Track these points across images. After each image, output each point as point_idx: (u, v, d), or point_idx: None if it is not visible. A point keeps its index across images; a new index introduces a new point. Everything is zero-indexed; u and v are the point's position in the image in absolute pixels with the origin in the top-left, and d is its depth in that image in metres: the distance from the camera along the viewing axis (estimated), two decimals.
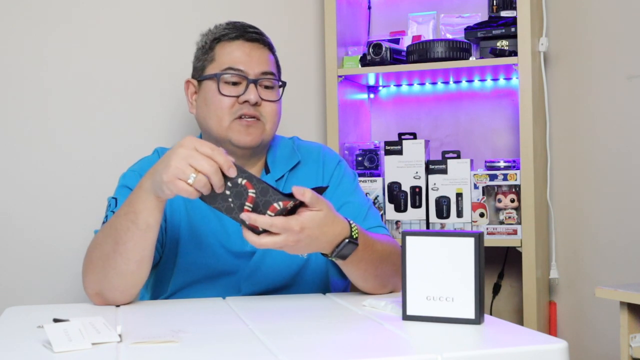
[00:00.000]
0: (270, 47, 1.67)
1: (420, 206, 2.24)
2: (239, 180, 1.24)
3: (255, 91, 1.60)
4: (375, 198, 2.27)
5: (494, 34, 2.19)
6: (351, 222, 1.37)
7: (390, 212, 2.26)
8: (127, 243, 1.35)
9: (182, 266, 1.59)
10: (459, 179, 2.20)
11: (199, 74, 1.67)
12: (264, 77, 1.62)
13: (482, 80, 2.43)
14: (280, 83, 1.67)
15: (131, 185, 1.59)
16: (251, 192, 1.24)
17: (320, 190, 1.29)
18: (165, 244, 1.60)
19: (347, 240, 1.35)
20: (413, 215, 2.24)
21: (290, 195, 1.24)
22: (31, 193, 2.07)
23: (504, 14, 2.20)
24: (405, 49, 2.28)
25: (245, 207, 1.24)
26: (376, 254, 1.45)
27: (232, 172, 1.24)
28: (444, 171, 2.22)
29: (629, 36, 2.21)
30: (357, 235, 1.37)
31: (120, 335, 1.12)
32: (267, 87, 1.64)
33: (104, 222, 1.55)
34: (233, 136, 1.60)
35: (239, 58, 1.62)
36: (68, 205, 2.09)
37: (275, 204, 1.24)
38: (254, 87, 1.60)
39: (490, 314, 2.12)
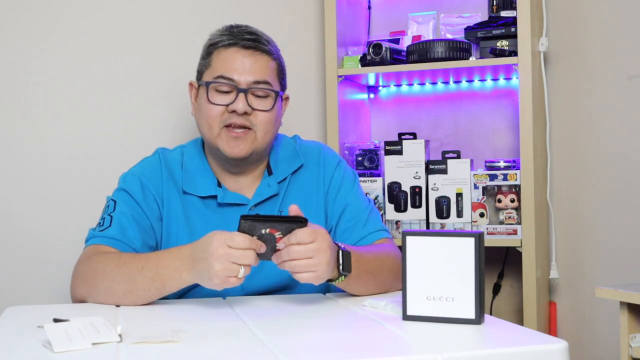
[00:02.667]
0: (269, 54, 1.63)
1: (420, 206, 2.23)
2: (263, 231, 1.33)
3: (244, 101, 1.58)
4: (375, 198, 2.27)
5: (494, 34, 2.19)
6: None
7: (390, 212, 2.26)
8: (141, 297, 1.42)
9: None
10: (459, 179, 2.20)
11: (198, 78, 1.67)
12: (255, 87, 1.59)
13: (482, 80, 2.43)
14: (276, 91, 1.62)
15: (130, 190, 1.60)
16: (278, 235, 1.34)
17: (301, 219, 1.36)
18: (160, 249, 1.61)
19: (340, 249, 1.40)
20: (413, 215, 2.24)
21: (300, 219, 1.34)
22: (31, 193, 2.07)
23: (504, 14, 2.20)
24: (405, 49, 2.28)
25: (277, 248, 1.34)
26: (370, 265, 1.48)
27: (263, 249, 1.33)
28: (444, 171, 2.21)
29: (629, 36, 2.21)
30: (341, 247, 1.41)
31: (120, 335, 1.12)
32: (260, 96, 1.61)
33: (99, 224, 1.57)
34: (221, 146, 1.60)
35: (231, 66, 1.60)
36: (68, 205, 2.09)
37: None
38: (244, 97, 1.58)
39: (490, 314, 2.12)
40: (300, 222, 1.33)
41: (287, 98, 1.72)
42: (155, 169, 1.65)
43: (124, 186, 1.62)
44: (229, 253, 1.29)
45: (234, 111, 1.58)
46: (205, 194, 1.63)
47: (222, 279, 1.30)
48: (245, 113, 1.59)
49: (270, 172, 1.67)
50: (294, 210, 1.37)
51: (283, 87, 1.68)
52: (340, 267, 1.39)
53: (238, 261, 1.29)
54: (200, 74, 1.67)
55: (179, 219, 1.61)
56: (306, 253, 1.31)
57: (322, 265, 1.32)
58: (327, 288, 1.65)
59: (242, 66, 1.60)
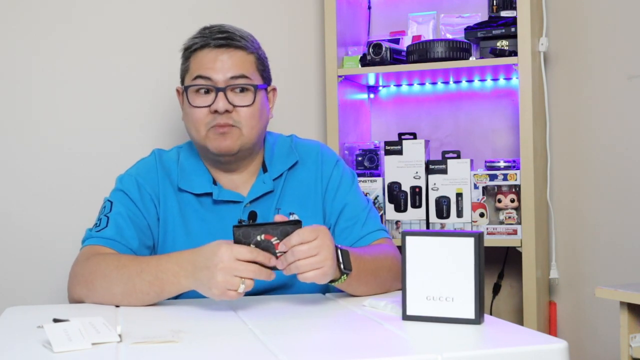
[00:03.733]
0: (244, 48, 1.62)
1: (420, 206, 2.23)
2: (259, 237, 1.31)
3: (223, 99, 1.58)
4: (375, 198, 2.27)
5: (494, 34, 2.19)
6: None
7: (390, 212, 2.26)
8: (139, 300, 1.42)
9: None
10: (459, 179, 2.20)
11: (181, 83, 1.68)
12: (233, 83, 1.59)
13: (482, 80, 2.43)
14: (255, 85, 1.61)
15: (127, 191, 1.60)
16: (275, 240, 1.32)
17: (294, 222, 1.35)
18: (157, 248, 1.61)
19: (338, 248, 1.39)
20: (413, 215, 2.24)
21: (293, 222, 1.33)
22: (31, 192, 2.07)
23: (504, 14, 2.20)
24: (405, 49, 2.28)
25: (278, 254, 1.32)
26: (370, 265, 1.48)
27: (273, 262, 1.32)
28: (444, 171, 2.21)
29: (629, 36, 2.21)
30: (339, 247, 1.41)
31: (120, 335, 1.12)
32: (242, 90, 1.61)
33: (96, 224, 1.57)
34: (210, 145, 1.60)
35: (206, 65, 1.60)
36: (68, 205, 2.09)
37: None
38: (223, 96, 1.58)
39: (490, 314, 2.12)
40: (294, 224, 1.32)
41: (275, 89, 1.72)
42: (151, 169, 1.65)
43: (121, 187, 1.62)
44: (233, 266, 1.29)
45: (216, 111, 1.58)
46: (201, 192, 1.63)
47: (222, 290, 1.30)
48: (227, 111, 1.58)
49: (265, 170, 1.67)
50: (279, 220, 1.36)
51: (266, 80, 1.67)
52: (342, 266, 1.38)
53: (241, 274, 1.29)
54: (182, 79, 1.68)
55: (175, 218, 1.61)
56: (310, 251, 1.30)
57: (327, 261, 1.32)
58: (327, 288, 1.65)
59: (218, 64, 1.59)
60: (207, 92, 1.60)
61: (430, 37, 2.36)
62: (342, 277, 1.40)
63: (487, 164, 2.24)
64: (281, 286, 1.60)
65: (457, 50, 2.18)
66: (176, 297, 1.53)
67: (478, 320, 1.18)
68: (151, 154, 1.70)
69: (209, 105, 1.59)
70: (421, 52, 2.20)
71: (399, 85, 2.53)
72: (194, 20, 2.21)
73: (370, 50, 2.24)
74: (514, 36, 2.15)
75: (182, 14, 2.23)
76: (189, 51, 1.64)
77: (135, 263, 1.43)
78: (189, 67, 1.64)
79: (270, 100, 1.70)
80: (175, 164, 1.66)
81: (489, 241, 2.17)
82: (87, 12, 2.13)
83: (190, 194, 1.63)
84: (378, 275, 1.50)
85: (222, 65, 1.59)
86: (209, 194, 1.63)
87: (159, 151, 1.70)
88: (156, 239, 1.61)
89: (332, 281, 1.41)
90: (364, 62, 2.26)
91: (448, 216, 2.21)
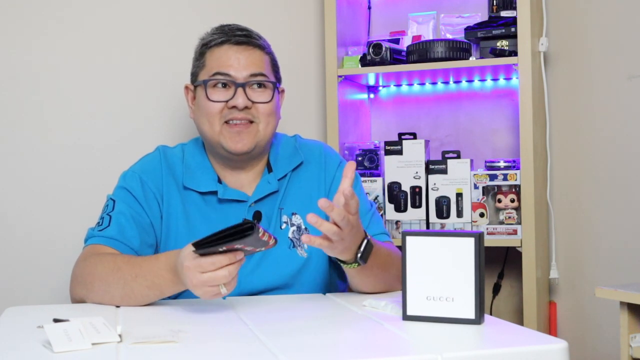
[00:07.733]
0: (262, 48, 1.65)
1: (420, 206, 2.23)
2: (220, 250, 1.27)
3: (243, 95, 1.59)
4: (375, 198, 2.27)
5: (494, 34, 2.19)
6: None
7: (390, 212, 2.26)
8: (139, 301, 1.42)
9: None
10: (459, 179, 2.20)
11: (194, 80, 1.68)
12: (253, 80, 1.61)
13: (482, 80, 2.43)
14: (274, 82, 1.64)
15: (130, 188, 1.60)
16: (238, 246, 1.27)
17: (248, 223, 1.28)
18: (160, 246, 1.61)
19: (366, 240, 1.39)
20: (413, 215, 2.24)
21: (247, 223, 1.26)
22: (31, 193, 2.07)
23: (504, 14, 2.20)
24: (405, 49, 2.28)
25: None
26: (383, 259, 1.48)
27: (239, 255, 1.28)
28: (444, 171, 2.21)
29: (629, 36, 2.21)
30: (369, 237, 1.41)
31: (120, 335, 1.12)
32: (259, 86, 1.62)
33: (98, 224, 1.57)
34: (224, 142, 1.60)
35: (226, 62, 1.61)
36: (68, 205, 2.09)
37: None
38: (242, 91, 1.59)
39: (490, 314, 2.12)
40: (250, 227, 1.23)
41: (283, 91, 1.73)
42: (155, 166, 1.65)
43: (124, 184, 1.62)
44: (202, 281, 1.28)
45: (234, 107, 1.59)
46: (206, 190, 1.63)
47: (209, 298, 1.31)
48: (246, 107, 1.59)
49: (270, 170, 1.67)
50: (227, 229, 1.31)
51: (278, 79, 1.69)
52: (359, 255, 1.39)
53: (213, 283, 1.28)
54: (195, 75, 1.68)
55: (178, 216, 1.61)
56: (352, 222, 1.30)
57: (354, 245, 1.35)
58: (327, 288, 1.65)
59: (237, 61, 1.61)
60: (225, 86, 1.61)
61: (430, 37, 2.36)
62: (354, 264, 1.41)
63: (487, 164, 2.24)
64: (281, 286, 1.60)
65: (457, 50, 2.18)
66: (176, 297, 1.54)
67: (478, 320, 1.18)
68: (155, 150, 1.70)
69: (227, 101, 1.60)
70: (421, 52, 2.20)
71: (399, 85, 2.53)
72: (194, 19, 2.21)
73: (370, 50, 2.24)
74: (514, 36, 2.15)
75: (183, 12, 2.23)
76: (206, 47, 1.65)
77: (129, 266, 1.43)
78: (205, 63, 1.64)
79: (280, 100, 1.71)
80: (180, 161, 1.67)
81: (489, 241, 2.17)
82: (88, 10, 2.13)
83: (195, 192, 1.63)
84: (387, 272, 1.50)
85: (242, 62, 1.61)
86: (214, 193, 1.63)
87: (164, 147, 1.70)
88: (159, 237, 1.61)
89: (342, 262, 1.41)
90: (364, 62, 2.26)
91: (448, 216, 2.21)
